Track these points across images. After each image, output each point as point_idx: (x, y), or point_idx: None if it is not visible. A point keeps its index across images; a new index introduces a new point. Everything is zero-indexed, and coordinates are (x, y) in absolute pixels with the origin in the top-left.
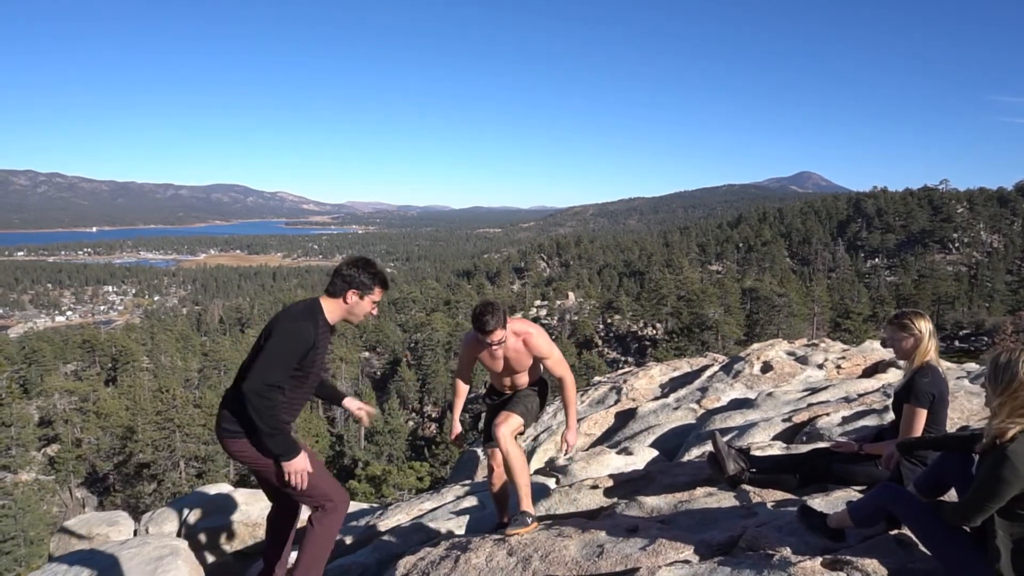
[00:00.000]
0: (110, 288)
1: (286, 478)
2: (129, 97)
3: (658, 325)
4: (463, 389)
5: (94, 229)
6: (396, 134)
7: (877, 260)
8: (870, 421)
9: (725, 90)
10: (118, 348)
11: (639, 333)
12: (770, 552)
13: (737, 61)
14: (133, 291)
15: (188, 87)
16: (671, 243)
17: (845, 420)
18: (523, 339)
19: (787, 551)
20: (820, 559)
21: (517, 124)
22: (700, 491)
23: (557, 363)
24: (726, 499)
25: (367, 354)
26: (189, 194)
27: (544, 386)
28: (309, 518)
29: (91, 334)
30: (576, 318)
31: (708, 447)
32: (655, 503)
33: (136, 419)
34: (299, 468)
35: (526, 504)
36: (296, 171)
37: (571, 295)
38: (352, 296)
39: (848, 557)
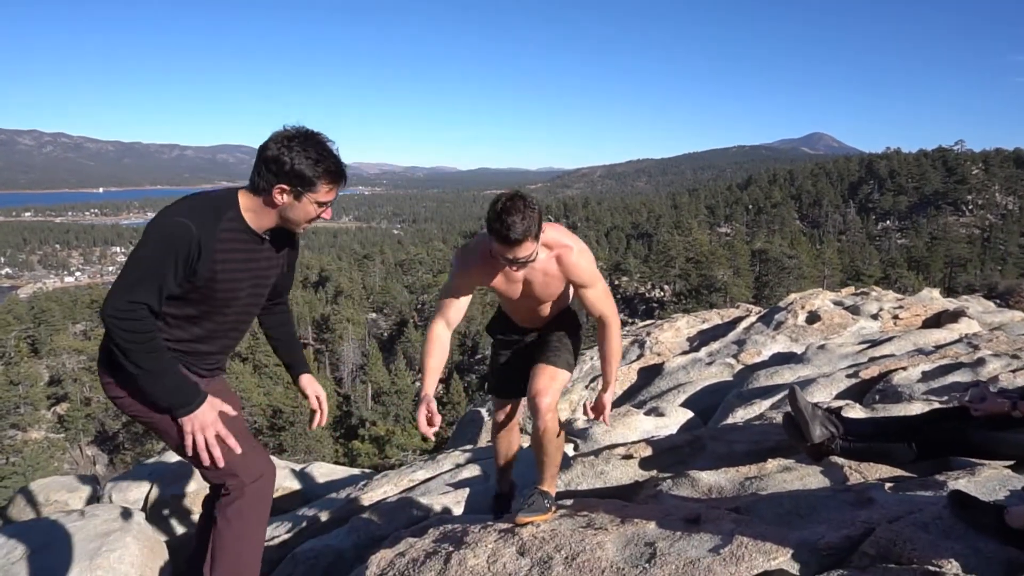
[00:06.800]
0: (118, 249)
1: (185, 440)
2: (134, 57)
3: (666, 287)
4: (441, 345)
5: (100, 190)
6: (402, 94)
7: (888, 223)
8: (961, 376)
9: (735, 50)
10: None
11: (647, 295)
12: (931, 568)
13: (748, 20)
14: None
15: (193, 48)
16: (680, 205)
17: (927, 376)
18: (557, 256)
19: (954, 566)
20: None
21: (524, 85)
22: (772, 464)
23: (601, 297)
24: (811, 476)
25: (374, 315)
26: (195, 155)
27: (576, 322)
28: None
29: (100, 294)
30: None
31: (756, 408)
32: (713, 480)
33: None
34: (199, 426)
35: (549, 485)
36: None
37: None
38: (282, 195)
39: None
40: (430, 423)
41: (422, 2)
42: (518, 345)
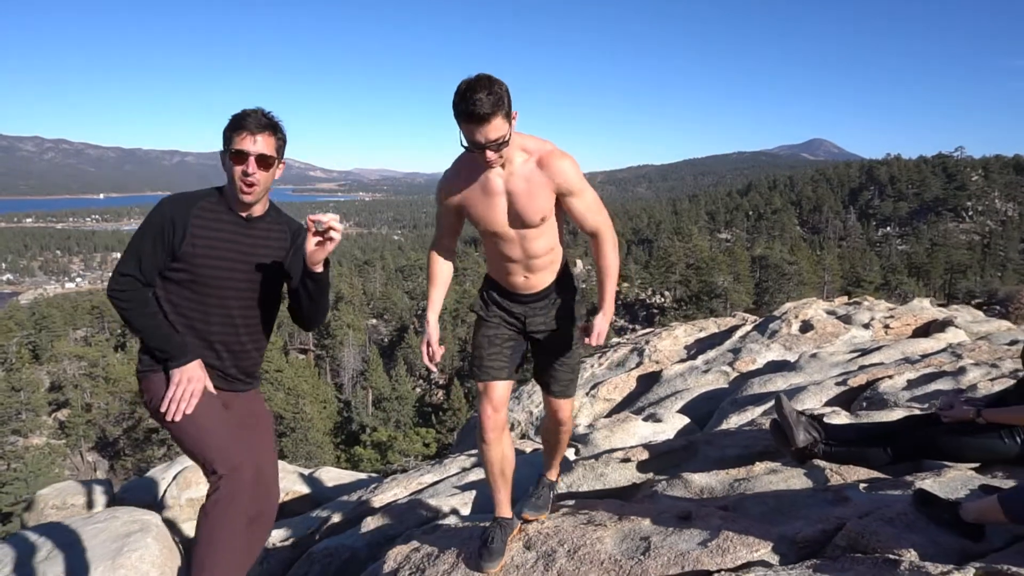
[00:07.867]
0: (118, 255)
1: (170, 390)
2: (135, 62)
3: (667, 293)
4: (442, 271)
5: (101, 196)
6: (403, 99)
7: (889, 229)
8: (943, 385)
9: (736, 56)
10: None
11: (647, 301)
12: (892, 556)
13: (748, 26)
14: None
15: (194, 53)
16: (680, 211)
17: (911, 384)
18: (539, 159)
19: (912, 555)
20: (972, 569)
21: (524, 89)
22: (760, 467)
23: (592, 207)
24: (795, 477)
25: (374, 321)
26: (196, 161)
27: (574, 295)
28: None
29: (100, 300)
30: (584, 286)
31: (749, 414)
32: (705, 481)
33: None
34: (185, 377)
35: (555, 473)
36: (303, 137)
37: (579, 263)
38: (225, 160)
39: (1012, 568)
40: (431, 358)
41: (421, 4)
42: (512, 321)
